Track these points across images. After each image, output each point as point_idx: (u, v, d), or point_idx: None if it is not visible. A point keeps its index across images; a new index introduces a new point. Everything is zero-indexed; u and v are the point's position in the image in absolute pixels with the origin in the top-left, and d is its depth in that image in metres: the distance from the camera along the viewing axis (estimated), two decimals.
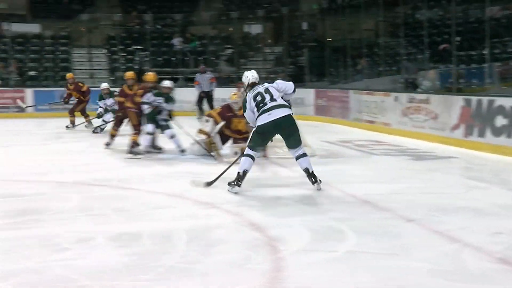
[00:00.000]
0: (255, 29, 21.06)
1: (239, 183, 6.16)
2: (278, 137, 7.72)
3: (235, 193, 6.13)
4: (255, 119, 6.34)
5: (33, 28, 20.97)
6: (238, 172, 6.19)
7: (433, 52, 14.34)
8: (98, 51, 20.69)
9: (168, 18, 21.66)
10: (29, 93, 17.14)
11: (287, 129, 6.28)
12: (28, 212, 5.39)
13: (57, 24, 21.14)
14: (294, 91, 6.52)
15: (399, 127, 11.55)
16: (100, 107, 12.95)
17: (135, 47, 20.55)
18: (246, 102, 6.43)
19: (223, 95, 8.98)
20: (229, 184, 6.19)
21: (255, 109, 6.30)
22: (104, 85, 13.10)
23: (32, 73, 18.67)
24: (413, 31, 16.41)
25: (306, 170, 6.28)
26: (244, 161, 6.21)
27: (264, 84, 6.51)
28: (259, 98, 6.29)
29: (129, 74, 10.37)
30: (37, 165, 7.52)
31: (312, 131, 11.82)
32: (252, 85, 6.50)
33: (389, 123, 11.96)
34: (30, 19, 21.85)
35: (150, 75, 9.13)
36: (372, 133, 12.14)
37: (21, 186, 6.72)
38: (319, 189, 6.22)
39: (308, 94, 15.79)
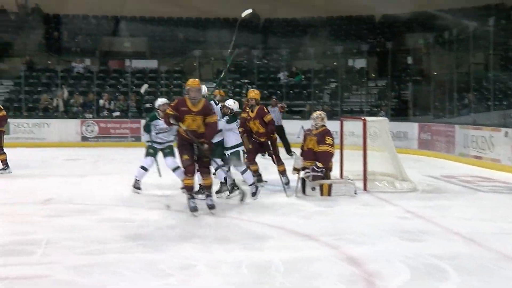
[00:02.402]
0: (359, 63, 21.03)
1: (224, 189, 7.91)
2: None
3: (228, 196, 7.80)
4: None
5: (151, 63, 22.60)
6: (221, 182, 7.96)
7: None
8: (209, 85, 21.49)
9: (275, 53, 22.18)
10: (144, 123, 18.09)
11: None
12: (136, 237, 5.64)
13: (172, 59, 22.59)
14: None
15: (509, 164, 11.03)
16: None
17: (243, 80, 21.21)
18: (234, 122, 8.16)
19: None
20: (217, 192, 7.88)
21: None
22: (163, 100, 8.96)
23: (148, 105, 19.64)
24: None
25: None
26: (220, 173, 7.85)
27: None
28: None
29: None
30: (147, 193, 7.82)
31: (415, 165, 11.61)
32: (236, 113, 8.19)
33: (498, 159, 11.45)
34: (149, 56, 23.42)
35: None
36: (479, 168, 11.67)
37: (131, 212, 7.04)
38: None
39: (411, 128, 15.59)
